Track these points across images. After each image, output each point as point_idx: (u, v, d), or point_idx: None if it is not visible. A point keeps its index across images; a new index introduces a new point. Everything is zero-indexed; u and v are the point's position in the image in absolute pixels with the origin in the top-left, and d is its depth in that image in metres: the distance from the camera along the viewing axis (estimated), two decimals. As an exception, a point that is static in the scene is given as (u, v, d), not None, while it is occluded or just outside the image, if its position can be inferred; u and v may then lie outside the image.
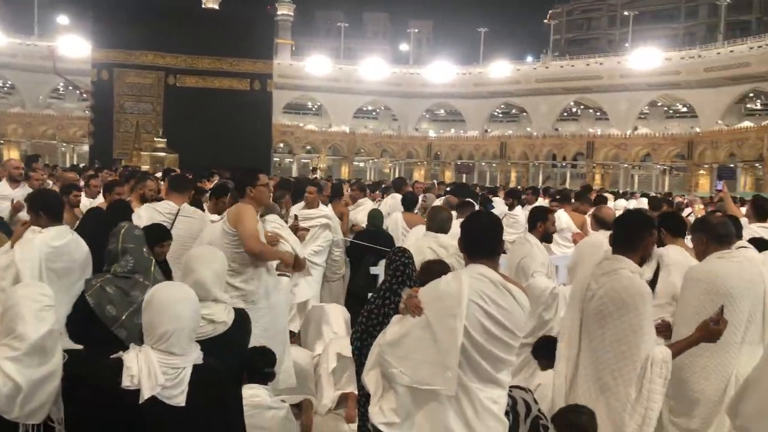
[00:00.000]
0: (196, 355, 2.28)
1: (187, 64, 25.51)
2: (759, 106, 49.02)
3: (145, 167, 16.30)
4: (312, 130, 52.88)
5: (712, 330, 2.80)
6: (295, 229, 5.90)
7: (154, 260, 3.29)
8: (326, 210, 6.60)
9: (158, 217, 4.92)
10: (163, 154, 19.59)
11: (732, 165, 41.30)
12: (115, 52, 24.95)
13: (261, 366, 3.43)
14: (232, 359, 2.85)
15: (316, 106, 59.42)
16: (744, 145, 39.91)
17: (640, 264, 2.89)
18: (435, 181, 26.93)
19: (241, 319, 2.97)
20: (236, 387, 2.83)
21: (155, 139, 20.66)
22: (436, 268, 3.23)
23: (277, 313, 4.19)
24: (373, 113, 61.98)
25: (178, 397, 2.18)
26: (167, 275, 3.69)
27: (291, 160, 50.90)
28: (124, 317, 2.94)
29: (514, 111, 58.89)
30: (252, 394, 3.29)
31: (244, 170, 4.39)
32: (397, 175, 46.97)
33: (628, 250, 2.91)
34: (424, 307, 2.57)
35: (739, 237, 3.97)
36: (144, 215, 4.85)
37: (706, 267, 3.35)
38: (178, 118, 23.47)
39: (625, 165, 47.23)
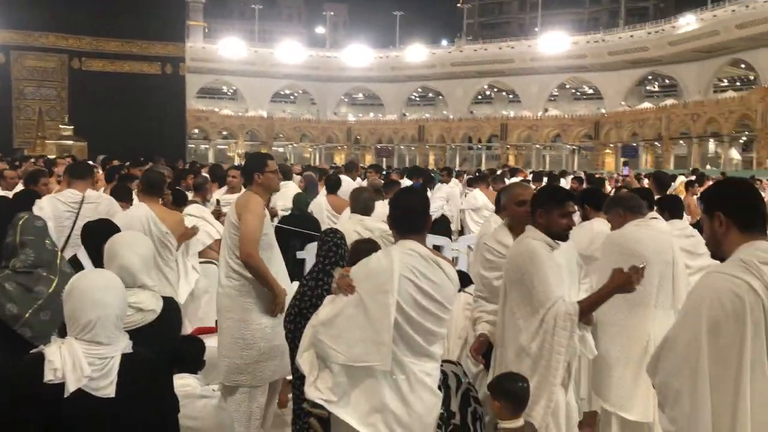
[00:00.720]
0: (125, 344, 2.19)
1: (93, 46, 24.23)
2: (657, 88, 52.03)
3: (51, 156, 15.45)
4: (228, 115, 51.64)
5: (626, 276, 2.83)
6: (218, 214, 5.82)
7: (59, 252, 3.10)
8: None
9: (61, 207, 4.72)
10: (70, 142, 18.66)
11: (634, 144, 43.73)
12: (12, 34, 23.34)
13: (191, 355, 3.34)
14: (163, 348, 2.73)
15: (231, 91, 57.96)
16: (645, 125, 42.36)
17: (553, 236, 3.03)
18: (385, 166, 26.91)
19: (171, 307, 2.85)
20: (169, 377, 2.76)
21: (61, 126, 19.63)
22: (365, 247, 3.26)
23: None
24: (291, 97, 61.17)
25: (107, 389, 2.08)
26: None
27: (207, 146, 49.54)
28: (27, 315, 2.74)
29: (430, 94, 59.73)
30: (182, 383, 3.18)
31: (252, 156, 4.33)
32: (318, 161, 46.74)
33: (534, 222, 3.10)
34: (356, 285, 2.58)
35: (651, 208, 4.29)
36: (46, 206, 4.64)
37: (623, 232, 3.62)
38: (85, 104, 22.31)
39: (537, 146, 49.06)
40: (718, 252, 2.18)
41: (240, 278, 3.66)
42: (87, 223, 3.73)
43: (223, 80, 55.43)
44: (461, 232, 9.17)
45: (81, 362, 2.07)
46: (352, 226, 4.13)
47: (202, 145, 50.38)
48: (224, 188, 6.62)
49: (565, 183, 13.32)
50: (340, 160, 49.46)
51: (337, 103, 59.51)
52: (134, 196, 5.34)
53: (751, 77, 43.46)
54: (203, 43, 52.04)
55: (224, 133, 51.22)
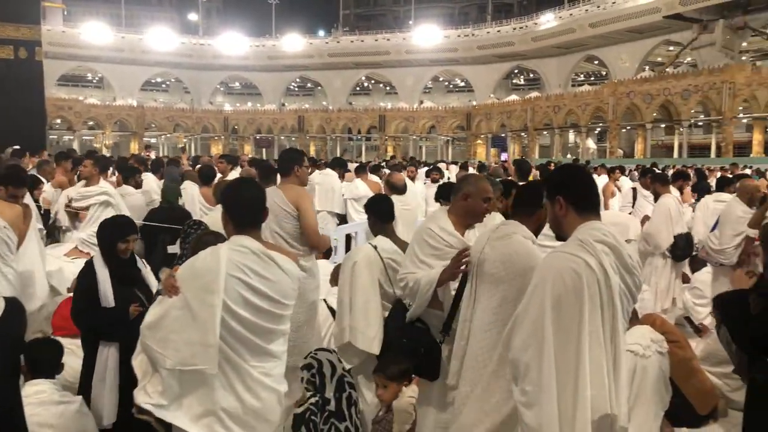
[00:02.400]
0: None
1: (-68, 28, 21.92)
2: (523, 82, 55.29)
3: None
4: (94, 104, 48.38)
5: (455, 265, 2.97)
6: (72, 212, 5.51)
7: None
8: (106, 186, 6.07)
9: None
10: None
11: (503, 135, 46.20)
12: None
13: (45, 359, 3.21)
14: (3, 353, 2.56)
15: (97, 78, 54.46)
16: (512, 117, 44.85)
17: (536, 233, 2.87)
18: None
19: (14, 308, 2.61)
20: (10, 383, 2.59)
21: None
22: (208, 240, 3.03)
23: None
24: (163, 86, 58.50)
25: None
26: (134, 275, 3.42)
27: (71, 137, 46.24)
28: None
29: (309, 85, 59.49)
30: (36, 390, 3.07)
31: (290, 150, 4.63)
32: (193, 151, 45.14)
33: (524, 216, 2.88)
34: (181, 285, 2.47)
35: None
36: None
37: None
38: (-74, 92, 20.18)
39: (414, 137, 50.45)
40: (560, 233, 2.34)
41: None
42: None
43: (88, 67, 51.95)
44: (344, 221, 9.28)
45: None
46: (219, 216, 4.17)
47: (65, 135, 46.95)
48: (81, 183, 6.16)
49: (454, 170, 14.03)
50: (217, 150, 48.01)
51: (212, 92, 57.70)
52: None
53: (603, 72, 47.37)
54: (63, 26, 48.42)
55: (90, 123, 48.07)
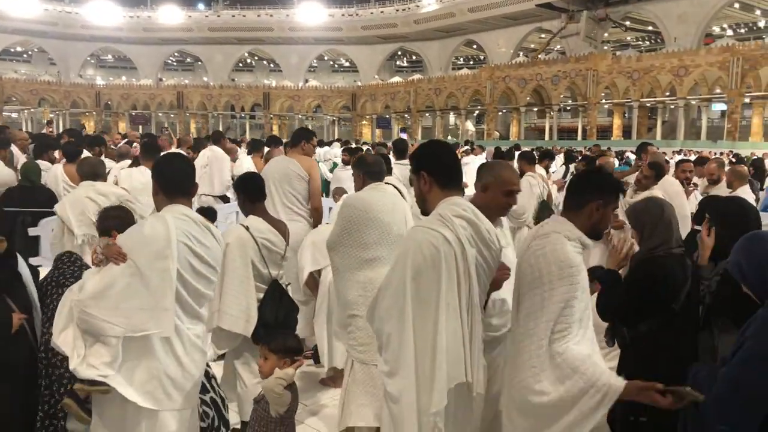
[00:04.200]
0: None
1: None
2: (406, 63, 56.33)
3: None
4: (-59, 73, 43.77)
5: None
6: None
7: None
8: None
9: None
10: None
11: (387, 116, 46.97)
12: None
13: None
14: None
15: (-57, 45, 49.22)
16: (396, 98, 45.69)
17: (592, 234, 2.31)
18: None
19: None
20: None
21: None
22: (116, 213, 3.10)
23: None
24: (25, 56, 53.86)
25: None
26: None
27: None
28: None
29: (189, 59, 57.12)
30: None
31: (303, 129, 5.60)
32: (62, 126, 42.04)
33: (571, 212, 2.35)
34: (128, 253, 2.50)
35: (389, 173, 4.78)
36: None
37: (360, 194, 3.66)
38: None
39: (299, 116, 50.05)
40: (424, 207, 2.36)
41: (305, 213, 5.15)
42: None
43: (-68, 32, 46.80)
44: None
45: None
46: (84, 192, 4.06)
47: None
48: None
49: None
50: (90, 127, 45.10)
51: (82, 64, 53.85)
52: None
53: (482, 57, 49.29)
54: None
55: (-64, 94, 43.47)
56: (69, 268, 3.10)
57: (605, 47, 41.68)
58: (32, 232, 5.20)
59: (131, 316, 2.44)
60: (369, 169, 3.66)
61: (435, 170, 2.34)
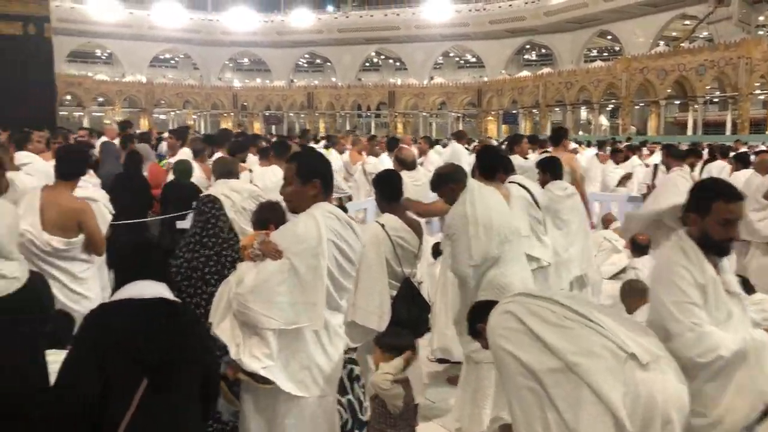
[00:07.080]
0: None
1: (-61, 3, 21.84)
2: (534, 57, 54.56)
3: None
4: (103, 80, 48.31)
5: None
6: None
7: None
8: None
9: None
10: None
11: (514, 111, 45.77)
12: None
13: (62, 331, 3.21)
14: (31, 320, 2.67)
15: (106, 54, 54.32)
16: (524, 93, 44.36)
17: (706, 244, 2.38)
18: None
19: (39, 280, 2.76)
20: (36, 350, 2.69)
21: None
22: (273, 206, 3.36)
23: None
24: (172, 62, 58.30)
25: None
26: None
27: (81, 113, 46.31)
28: None
29: (318, 61, 59.05)
30: (53, 360, 3.05)
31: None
32: (203, 128, 45.11)
33: (690, 215, 2.45)
34: (284, 250, 2.67)
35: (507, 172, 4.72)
36: None
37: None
38: (-66, 68, 20.18)
39: (424, 113, 50.09)
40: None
41: None
42: None
43: (97, 43, 51.79)
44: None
45: None
46: (219, 190, 4.18)
47: (75, 112, 47.03)
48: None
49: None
50: (228, 127, 47.95)
51: (221, 68, 57.46)
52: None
53: (617, 48, 46.63)
54: (71, 2, 48.22)
55: (100, 99, 48.11)
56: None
57: (760, 32, 37.87)
58: (180, 225, 5.67)
59: (286, 310, 2.61)
60: None
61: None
